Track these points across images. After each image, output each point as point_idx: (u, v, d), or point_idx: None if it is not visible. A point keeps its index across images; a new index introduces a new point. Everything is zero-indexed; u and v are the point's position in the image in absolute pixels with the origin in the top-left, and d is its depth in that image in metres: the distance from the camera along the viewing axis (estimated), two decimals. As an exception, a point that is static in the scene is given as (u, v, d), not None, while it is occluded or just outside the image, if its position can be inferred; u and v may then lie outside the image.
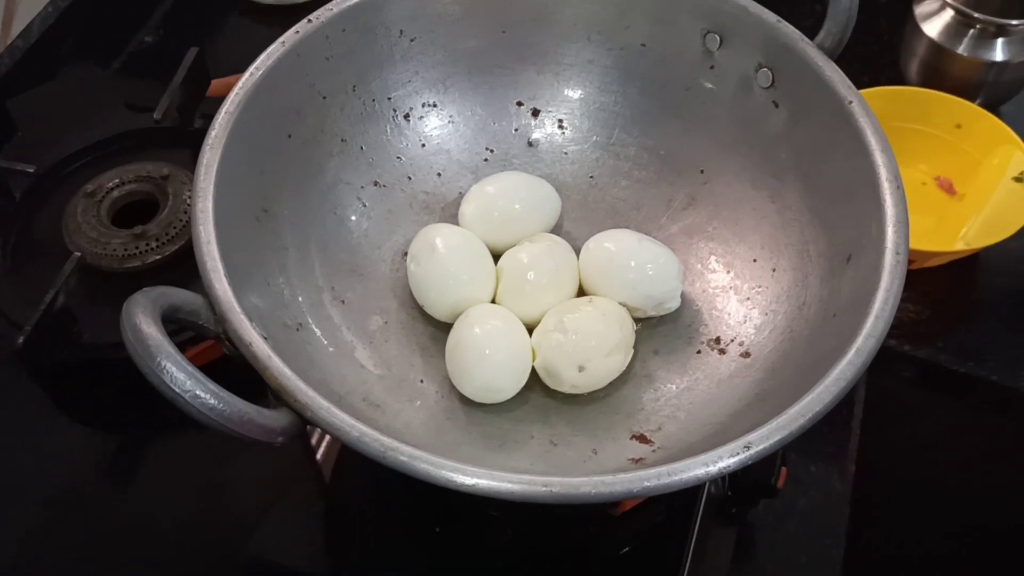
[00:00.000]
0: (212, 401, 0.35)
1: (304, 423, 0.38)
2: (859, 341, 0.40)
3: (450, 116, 0.57)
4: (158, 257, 0.57)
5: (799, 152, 0.50)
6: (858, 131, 0.46)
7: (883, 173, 0.44)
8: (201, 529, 0.54)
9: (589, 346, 0.47)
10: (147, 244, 0.57)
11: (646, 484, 0.36)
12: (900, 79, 0.76)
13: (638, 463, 0.45)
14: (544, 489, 0.36)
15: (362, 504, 0.55)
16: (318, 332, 0.48)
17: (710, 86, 0.54)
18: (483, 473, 0.36)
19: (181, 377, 0.35)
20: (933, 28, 0.74)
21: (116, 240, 0.57)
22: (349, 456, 0.56)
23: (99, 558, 0.52)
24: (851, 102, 0.47)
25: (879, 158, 0.45)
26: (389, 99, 0.55)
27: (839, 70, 0.48)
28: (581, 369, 0.47)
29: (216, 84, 0.67)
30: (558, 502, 0.36)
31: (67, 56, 0.76)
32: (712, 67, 0.53)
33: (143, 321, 0.36)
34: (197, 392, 0.35)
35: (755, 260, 0.52)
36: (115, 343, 0.52)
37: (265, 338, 0.41)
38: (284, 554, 0.54)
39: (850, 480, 0.62)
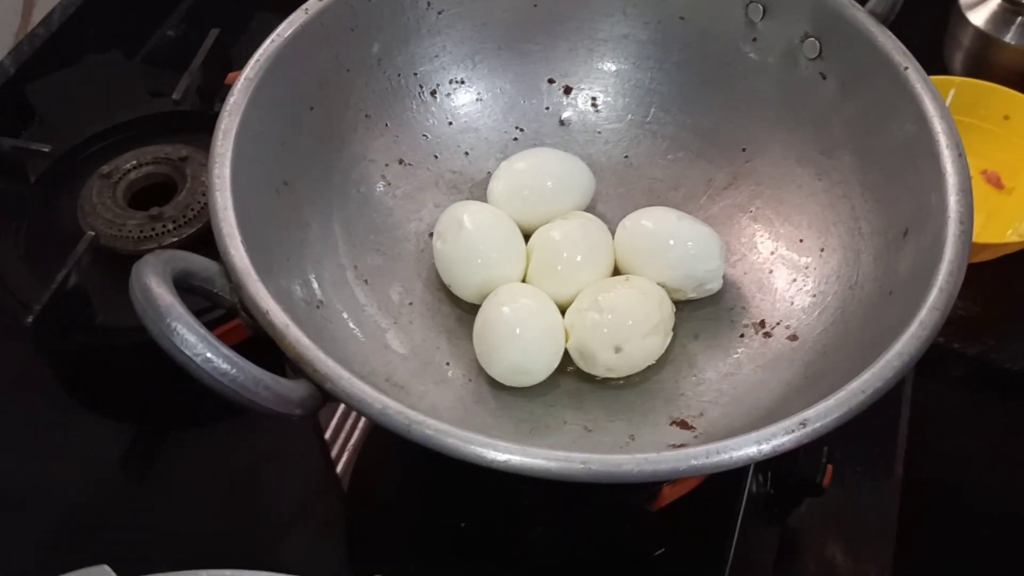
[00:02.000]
0: (225, 366, 0.33)
1: (324, 396, 0.36)
2: (923, 313, 0.37)
3: (478, 93, 0.54)
4: (175, 239, 0.55)
5: (850, 125, 0.48)
6: (915, 98, 0.43)
7: (943, 140, 0.42)
8: (218, 526, 0.51)
9: (626, 325, 0.44)
10: (164, 226, 0.55)
11: (693, 463, 0.33)
12: (944, 71, 0.74)
13: (679, 448, 0.42)
14: (582, 466, 0.33)
15: (385, 497, 0.52)
16: (340, 311, 0.46)
17: (753, 59, 0.51)
18: (516, 448, 0.34)
19: (192, 340, 0.32)
20: (979, 16, 0.72)
21: (132, 222, 0.55)
22: (372, 447, 0.53)
23: (113, 557, 0.50)
24: (907, 68, 0.44)
25: (938, 125, 0.42)
26: (415, 74, 0.53)
27: (892, 36, 0.45)
28: (618, 350, 0.44)
29: (234, 76, 0.65)
30: (597, 480, 0.33)
31: (89, 45, 0.75)
32: (755, 39, 0.51)
33: (153, 282, 0.33)
34: (209, 355, 0.32)
35: (801, 240, 0.49)
36: (131, 327, 0.50)
37: (283, 310, 0.39)
38: (304, 553, 0.51)
39: (898, 483, 0.59)
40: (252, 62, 0.45)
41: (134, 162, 0.58)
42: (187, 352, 0.32)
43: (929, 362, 0.63)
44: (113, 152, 0.59)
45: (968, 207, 0.40)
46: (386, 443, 0.53)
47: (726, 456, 0.33)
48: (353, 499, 0.52)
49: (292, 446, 0.55)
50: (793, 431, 0.34)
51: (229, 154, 0.42)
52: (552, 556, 0.49)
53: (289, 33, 0.47)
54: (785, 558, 0.55)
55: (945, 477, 0.61)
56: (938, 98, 0.43)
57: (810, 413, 0.34)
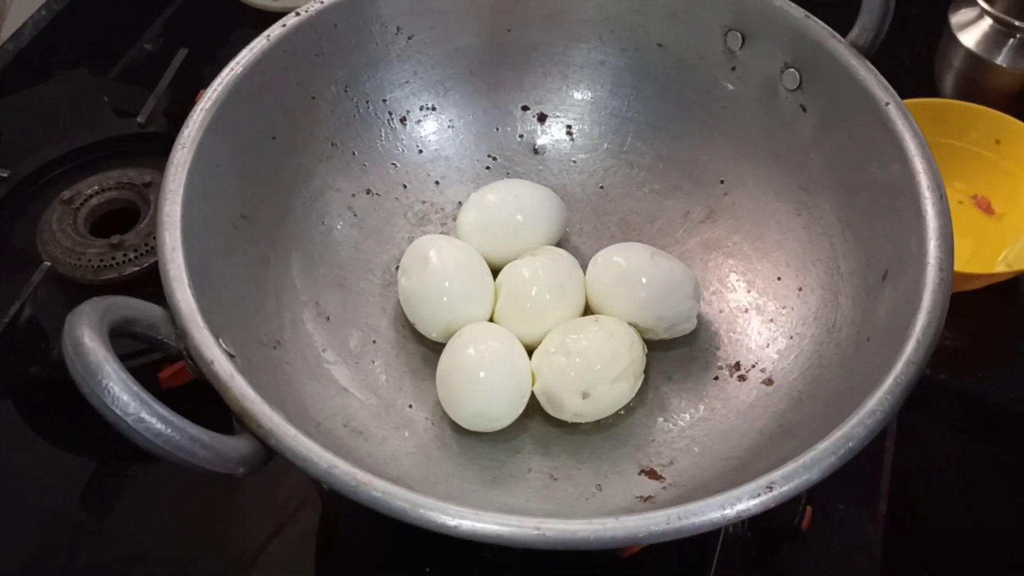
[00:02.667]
0: (159, 426, 0.31)
1: (269, 452, 0.34)
2: (898, 368, 0.35)
3: (450, 120, 0.53)
4: (136, 268, 0.53)
5: (830, 160, 0.46)
6: (896, 136, 0.41)
7: (924, 181, 0.40)
8: (183, 565, 0.50)
9: (594, 370, 0.42)
10: (124, 255, 0.54)
11: (652, 529, 0.32)
12: (935, 94, 0.72)
13: (647, 501, 0.40)
14: (535, 532, 0.32)
15: (354, 540, 0.50)
16: (297, 351, 0.44)
17: (732, 89, 0.49)
18: (467, 513, 0.32)
19: (124, 398, 0.31)
20: (970, 38, 0.70)
21: (92, 250, 0.54)
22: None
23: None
24: (888, 104, 0.42)
25: (919, 165, 0.40)
26: (384, 101, 0.51)
27: (874, 69, 0.44)
28: (585, 396, 0.42)
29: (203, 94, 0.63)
30: (551, 547, 0.32)
31: (60, 62, 0.73)
32: (734, 68, 0.49)
33: (86, 335, 0.32)
34: (142, 415, 0.31)
35: (779, 278, 0.47)
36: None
37: (233, 356, 0.37)
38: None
39: (881, 521, 0.57)
40: (209, 91, 0.44)
41: (96, 187, 0.57)
42: (118, 411, 0.30)
43: (916, 396, 0.62)
44: (76, 176, 0.58)
45: (948, 254, 0.38)
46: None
47: (687, 522, 0.32)
48: (322, 541, 0.51)
49: (262, 479, 0.53)
50: (759, 495, 0.32)
51: (181, 190, 0.40)
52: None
53: (249, 60, 0.45)
54: (764, 602, 0.54)
55: (932, 516, 0.59)
56: (919, 136, 0.41)
57: (776, 476, 0.33)
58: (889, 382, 0.35)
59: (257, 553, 0.50)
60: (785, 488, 0.33)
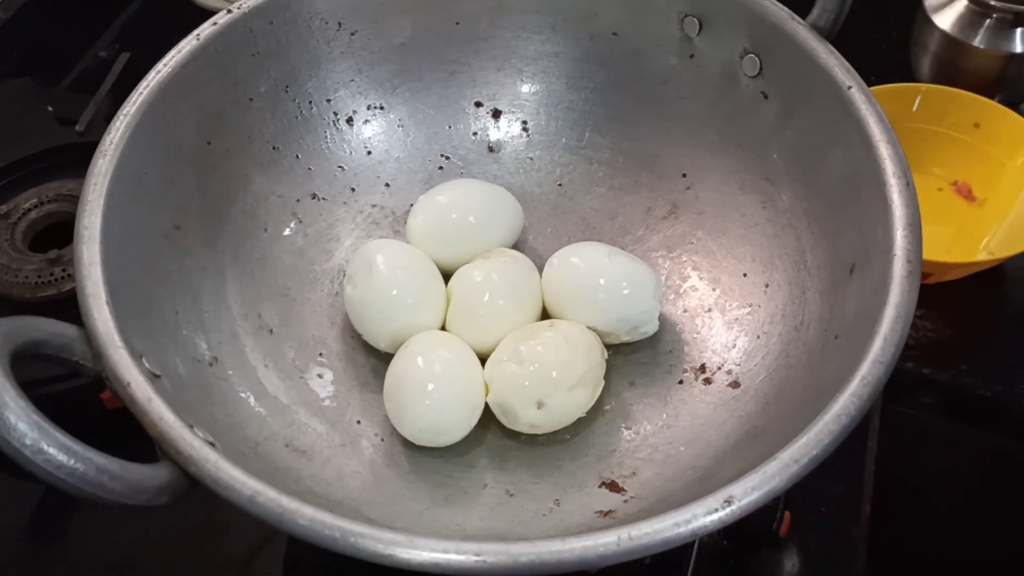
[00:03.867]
0: (61, 457, 0.28)
1: (190, 481, 0.32)
2: (864, 368, 0.33)
3: (399, 119, 0.50)
4: (74, 285, 0.51)
5: (793, 149, 0.44)
6: (859, 120, 0.39)
7: (889, 168, 0.38)
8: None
9: (549, 378, 0.40)
10: (63, 270, 0.51)
11: (602, 552, 0.29)
12: (912, 79, 0.70)
13: (607, 516, 0.38)
14: (476, 559, 0.29)
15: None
16: (236, 367, 0.41)
17: (691, 78, 0.47)
18: (401, 540, 0.29)
19: (22, 428, 0.28)
20: (945, 20, 0.68)
21: (29, 266, 0.51)
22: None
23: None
24: (850, 87, 0.40)
25: (884, 150, 0.38)
26: (328, 101, 0.49)
27: (835, 52, 0.41)
28: (540, 406, 0.40)
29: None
30: (494, 574, 0.29)
31: (7, 71, 0.71)
32: (692, 56, 0.47)
33: (-17, 360, 0.29)
34: (42, 446, 0.28)
35: (745, 275, 0.45)
36: (26, 381, 0.46)
37: (158, 376, 0.35)
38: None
39: (866, 523, 0.55)
40: (134, 95, 0.41)
41: (35, 200, 0.54)
42: (15, 443, 0.28)
43: (898, 390, 0.60)
44: (14, 189, 0.55)
45: (916, 244, 0.36)
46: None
47: (639, 543, 0.29)
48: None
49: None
50: (716, 510, 0.30)
51: (101, 201, 0.38)
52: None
53: (177, 61, 0.43)
54: (743, 613, 0.51)
55: (917, 515, 0.57)
56: (884, 121, 0.39)
57: (736, 489, 0.30)
58: (855, 383, 0.33)
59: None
60: (745, 501, 0.30)
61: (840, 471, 0.56)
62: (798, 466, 0.31)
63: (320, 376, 0.44)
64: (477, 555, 0.29)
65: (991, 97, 0.66)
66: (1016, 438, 0.60)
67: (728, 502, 0.30)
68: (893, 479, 0.57)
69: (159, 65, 0.42)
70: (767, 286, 0.44)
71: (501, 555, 0.29)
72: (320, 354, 0.44)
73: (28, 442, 0.28)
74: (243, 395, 0.41)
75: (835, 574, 0.52)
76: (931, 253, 0.60)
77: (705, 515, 0.30)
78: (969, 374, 0.59)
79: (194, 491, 0.32)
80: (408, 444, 0.41)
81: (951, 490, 0.58)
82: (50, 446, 0.28)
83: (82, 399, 0.49)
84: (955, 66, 0.68)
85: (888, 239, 0.36)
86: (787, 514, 0.50)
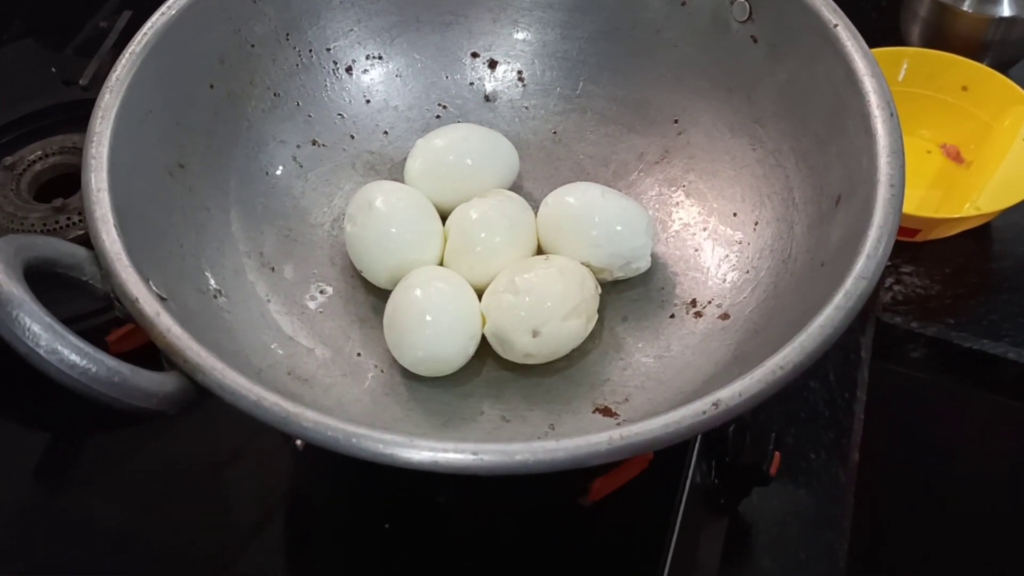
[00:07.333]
0: (73, 357, 0.30)
1: (198, 391, 0.33)
2: (848, 283, 0.34)
3: (397, 69, 0.51)
4: (80, 232, 0.52)
5: (782, 90, 0.45)
6: (845, 57, 0.40)
7: (873, 100, 0.39)
8: (143, 540, 0.48)
9: (544, 307, 0.41)
10: (68, 218, 0.52)
11: (596, 449, 0.30)
12: (902, 44, 0.71)
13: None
14: (473, 458, 0.30)
15: (318, 503, 0.49)
16: (240, 300, 0.42)
17: (682, 25, 0.48)
18: (401, 440, 0.31)
19: (36, 329, 0.29)
20: (935, -15, 0.69)
21: (35, 215, 0.52)
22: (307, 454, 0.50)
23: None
24: (836, 25, 0.41)
25: (868, 84, 0.39)
26: (328, 50, 0.50)
27: (822, -9, 0.42)
28: (535, 334, 0.41)
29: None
30: (490, 473, 0.30)
31: (11, 35, 0.72)
32: (683, 3, 0.48)
33: (-2, 268, 0.30)
34: (57, 347, 0.29)
35: (735, 214, 0.46)
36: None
37: (164, 299, 0.36)
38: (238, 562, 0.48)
39: (854, 469, 0.56)
40: (138, 36, 0.42)
41: (40, 153, 0.55)
42: (29, 343, 0.29)
43: (886, 343, 0.61)
44: (20, 143, 0.56)
45: (900, 169, 0.37)
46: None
47: (630, 441, 0.30)
48: (288, 505, 0.49)
49: (221, 446, 0.51)
50: (704, 412, 0.31)
51: (108, 133, 0.39)
52: (482, 555, 0.46)
53: (182, 4, 0.44)
54: (734, 551, 0.52)
55: (904, 463, 0.58)
56: (869, 56, 0.40)
57: (723, 393, 0.31)
58: (839, 296, 0.34)
59: (212, 524, 0.48)
60: (733, 404, 0.31)
61: (830, 419, 0.57)
62: (783, 372, 0.32)
63: (321, 312, 0.45)
64: (474, 453, 0.30)
65: (980, 61, 0.67)
66: (999, 391, 0.61)
67: (716, 405, 0.31)
68: (880, 429, 0.58)
69: (164, 8, 0.43)
70: (756, 224, 0.45)
71: (497, 453, 0.30)
72: (321, 291, 0.45)
73: (43, 343, 0.29)
74: (247, 326, 0.42)
75: (825, 515, 0.53)
76: (920, 211, 0.61)
77: (694, 417, 0.31)
78: (955, 328, 0.60)
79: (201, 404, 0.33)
80: (407, 375, 0.43)
81: (936, 438, 0.59)
82: (63, 347, 0.29)
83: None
84: (944, 31, 0.70)
85: (872, 166, 0.37)
86: (777, 455, 0.51)
